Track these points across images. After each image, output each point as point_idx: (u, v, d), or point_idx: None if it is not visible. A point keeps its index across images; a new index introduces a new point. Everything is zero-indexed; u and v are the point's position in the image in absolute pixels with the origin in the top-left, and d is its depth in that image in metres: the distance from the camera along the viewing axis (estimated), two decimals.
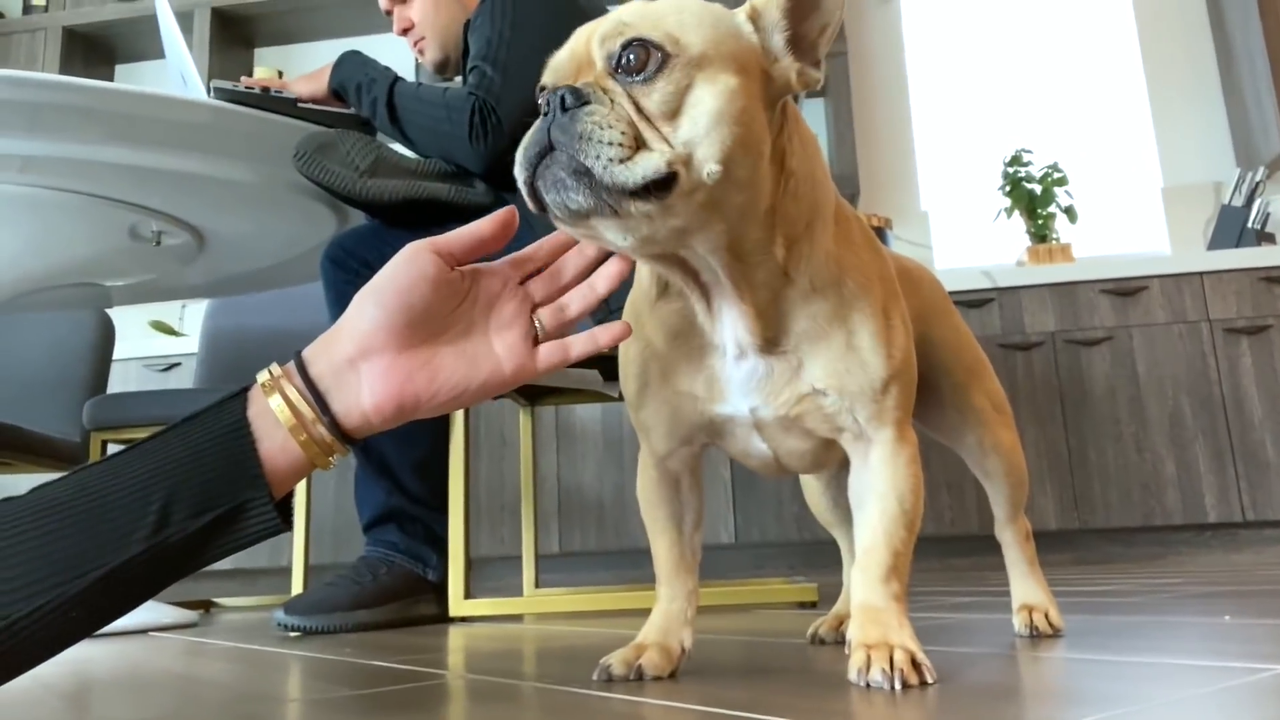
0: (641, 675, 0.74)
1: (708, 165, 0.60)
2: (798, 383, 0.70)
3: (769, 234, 0.66)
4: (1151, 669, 0.69)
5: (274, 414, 0.60)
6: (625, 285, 0.76)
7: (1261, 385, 2.87)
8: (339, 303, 1.66)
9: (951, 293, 2.85)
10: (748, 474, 2.96)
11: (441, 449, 1.71)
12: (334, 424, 0.61)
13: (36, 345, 2.51)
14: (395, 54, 2.48)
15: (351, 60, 1.71)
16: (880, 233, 3.18)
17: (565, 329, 0.69)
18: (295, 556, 2.29)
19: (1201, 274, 2.96)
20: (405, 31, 1.88)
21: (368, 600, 1.58)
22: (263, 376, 0.62)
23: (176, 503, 0.56)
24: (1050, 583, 1.01)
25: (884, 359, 0.70)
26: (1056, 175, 3.38)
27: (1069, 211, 3.36)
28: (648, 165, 0.58)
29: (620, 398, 0.97)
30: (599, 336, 0.68)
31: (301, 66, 3.84)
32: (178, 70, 1.68)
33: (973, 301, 3.02)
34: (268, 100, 1.63)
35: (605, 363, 1.71)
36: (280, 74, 3.13)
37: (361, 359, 0.62)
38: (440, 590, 1.68)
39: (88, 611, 0.55)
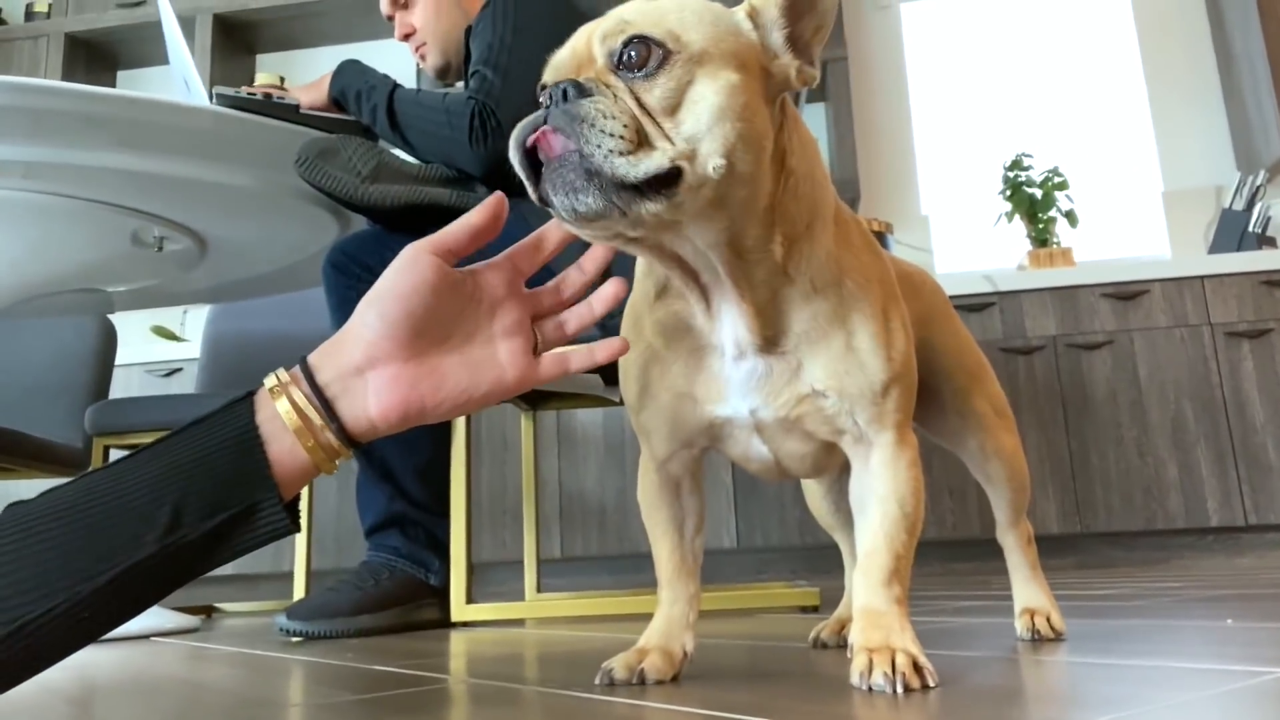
0: (644, 679, 0.74)
1: (712, 160, 0.60)
2: (797, 383, 0.70)
3: (768, 231, 0.67)
4: (1153, 672, 0.69)
5: (281, 419, 0.60)
6: (621, 306, 0.77)
7: (1263, 389, 2.87)
8: (341, 308, 1.66)
9: (952, 297, 2.86)
10: (749, 478, 2.95)
11: (443, 454, 1.72)
12: (341, 430, 0.61)
13: (39, 350, 2.51)
14: (396, 60, 2.49)
15: (351, 68, 1.71)
16: (881, 237, 3.18)
17: (563, 345, 0.70)
18: (297, 561, 2.29)
19: (1202, 278, 2.96)
20: (407, 37, 1.88)
21: (370, 605, 1.58)
22: (269, 381, 0.62)
23: (188, 504, 0.57)
24: (1052, 587, 1.01)
25: (884, 361, 0.70)
26: (1057, 179, 3.39)
27: (1070, 215, 3.37)
28: (650, 163, 0.58)
29: (621, 402, 0.97)
30: (597, 353, 0.69)
31: (303, 73, 3.85)
32: (181, 76, 1.68)
33: (974, 306, 3.02)
34: (270, 106, 1.63)
35: (606, 368, 1.72)
36: (282, 80, 3.13)
37: (369, 367, 0.62)
38: (442, 595, 1.68)
39: (99, 613, 0.55)
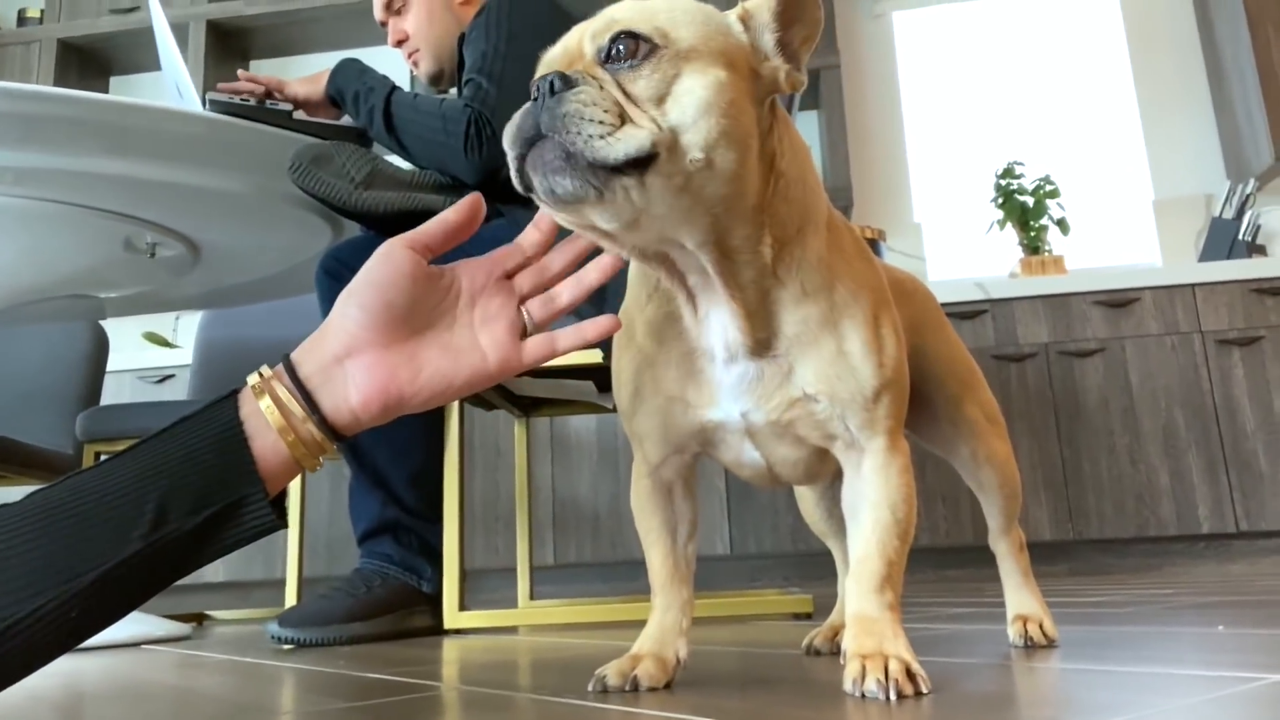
0: (637, 686, 0.74)
1: (692, 152, 0.60)
2: (788, 387, 0.70)
3: (757, 232, 0.67)
4: (1145, 678, 0.70)
5: (264, 415, 0.61)
6: (618, 286, 0.76)
7: (1253, 396, 2.88)
8: None
9: (944, 304, 2.87)
10: (743, 485, 2.96)
11: (436, 460, 1.71)
12: (323, 422, 0.62)
13: (30, 357, 2.50)
14: (390, 66, 2.49)
15: (350, 68, 1.71)
16: (874, 244, 3.19)
17: (555, 319, 0.69)
18: (289, 568, 2.28)
19: (1193, 285, 2.98)
20: (400, 43, 1.88)
21: (362, 612, 1.58)
22: (253, 379, 0.63)
23: (173, 500, 0.57)
24: (1045, 593, 1.01)
25: (875, 367, 0.70)
26: (1049, 188, 3.41)
27: (1061, 224, 3.38)
28: (630, 142, 0.58)
29: (614, 409, 0.97)
30: (586, 331, 0.68)
31: None
32: (173, 82, 1.68)
33: (966, 313, 3.03)
34: (263, 112, 1.63)
35: (600, 374, 1.72)
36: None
37: (347, 356, 0.63)
38: (435, 602, 1.67)
39: (87, 612, 0.55)
